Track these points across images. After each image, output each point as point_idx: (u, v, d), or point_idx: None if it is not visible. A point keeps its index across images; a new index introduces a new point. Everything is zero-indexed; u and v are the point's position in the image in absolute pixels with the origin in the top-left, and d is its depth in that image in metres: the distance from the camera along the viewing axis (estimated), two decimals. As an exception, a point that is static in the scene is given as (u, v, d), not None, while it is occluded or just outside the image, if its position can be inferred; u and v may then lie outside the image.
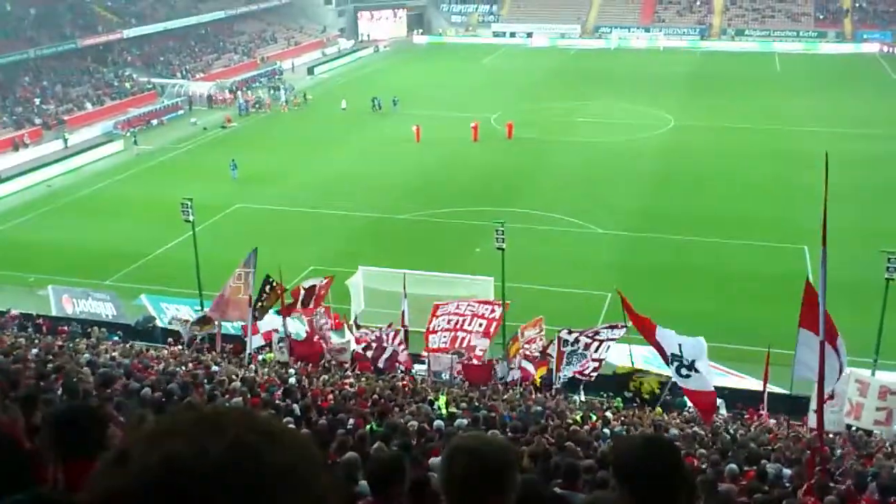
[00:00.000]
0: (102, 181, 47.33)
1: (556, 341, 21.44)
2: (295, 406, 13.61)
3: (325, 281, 25.50)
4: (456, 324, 23.87)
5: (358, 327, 26.64)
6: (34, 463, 3.67)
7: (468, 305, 24.27)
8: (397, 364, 23.94)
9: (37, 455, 3.79)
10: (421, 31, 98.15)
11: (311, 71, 78.55)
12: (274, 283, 23.50)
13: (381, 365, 23.57)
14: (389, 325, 24.76)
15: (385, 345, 24.00)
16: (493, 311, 24.28)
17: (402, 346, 24.16)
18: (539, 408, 17.68)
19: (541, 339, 23.87)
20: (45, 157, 50.91)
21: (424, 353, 24.49)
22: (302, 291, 24.62)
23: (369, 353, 24.20)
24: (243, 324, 24.58)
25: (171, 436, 1.14)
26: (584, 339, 20.83)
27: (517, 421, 14.90)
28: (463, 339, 23.73)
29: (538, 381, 22.95)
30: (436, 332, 23.99)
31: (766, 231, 36.20)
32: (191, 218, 28.80)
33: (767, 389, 21.68)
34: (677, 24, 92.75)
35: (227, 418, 1.18)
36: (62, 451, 3.56)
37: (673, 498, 2.70)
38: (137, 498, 1.09)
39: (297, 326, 25.80)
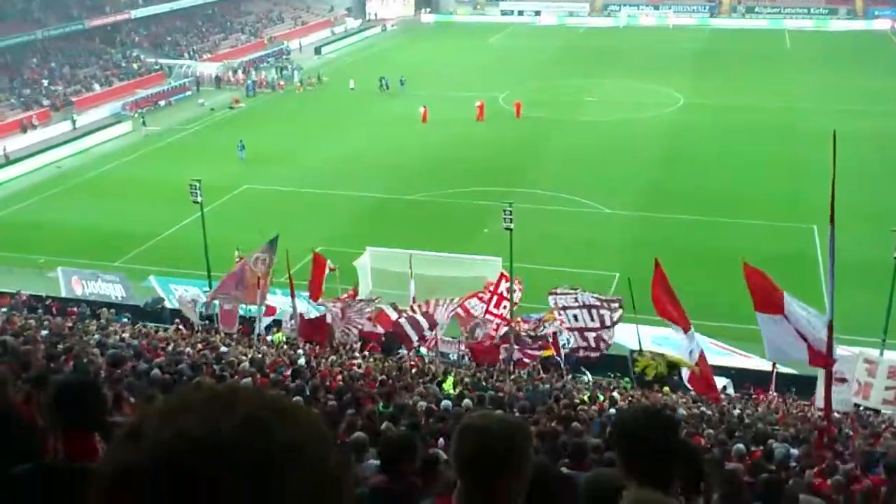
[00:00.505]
0: (111, 162, 47.40)
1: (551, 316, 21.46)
2: (305, 386, 13.68)
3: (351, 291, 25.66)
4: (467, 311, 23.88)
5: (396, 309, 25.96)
6: (44, 439, 3.74)
7: (479, 303, 24.08)
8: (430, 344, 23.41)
9: (46, 432, 3.86)
10: (429, 9, 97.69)
11: (318, 51, 78.32)
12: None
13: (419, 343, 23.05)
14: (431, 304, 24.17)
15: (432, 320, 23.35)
16: (497, 287, 24.12)
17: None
18: (547, 386, 17.75)
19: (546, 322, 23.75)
20: (54, 139, 50.98)
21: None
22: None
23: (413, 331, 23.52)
24: (253, 306, 24.76)
25: (183, 412, 1.16)
26: (574, 307, 20.73)
27: (525, 401, 14.96)
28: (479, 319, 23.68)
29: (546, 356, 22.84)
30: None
31: (776, 210, 36.07)
32: (199, 199, 28.84)
33: (776, 369, 21.66)
34: (687, 1, 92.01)
35: (239, 396, 1.19)
36: (62, 422, 3.63)
37: (668, 467, 2.77)
38: (149, 473, 1.11)
39: (306, 306, 25.87)
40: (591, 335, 20.80)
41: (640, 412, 3.05)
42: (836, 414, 17.38)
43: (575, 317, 20.75)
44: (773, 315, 12.20)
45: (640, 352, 20.78)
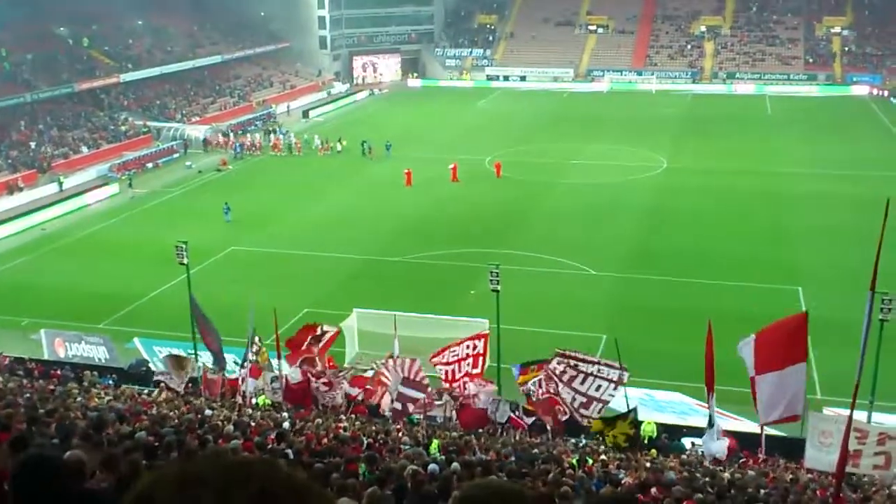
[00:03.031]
0: (97, 224, 47.36)
1: (546, 376, 21.40)
2: (289, 451, 13.48)
3: (333, 331, 25.55)
4: (451, 374, 23.76)
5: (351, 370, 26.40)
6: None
7: (451, 352, 24.08)
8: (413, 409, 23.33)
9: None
10: (416, 74, 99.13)
11: (305, 114, 79.09)
12: (259, 340, 23.99)
13: (388, 411, 23.13)
14: (388, 357, 24.34)
15: (388, 381, 23.53)
16: (474, 347, 24.11)
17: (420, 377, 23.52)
18: (535, 451, 17.55)
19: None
20: (40, 201, 50.96)
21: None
22: (316, 332, 24.74)
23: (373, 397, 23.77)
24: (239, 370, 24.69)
25: (197, 483, 1.14)
26: (569, 371, 20.70)
27: (513, 464, 14.78)
28: (462, 378, 23.57)
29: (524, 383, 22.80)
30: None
31: (760, 272, 36.25)
32: (185, 261, 28.77)
33: (765, 432, 21.53)
34: (669, 67, 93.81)
35: (254, 470, 1.18)
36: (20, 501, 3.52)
37: None
38: None
39: (292, 370, 25.65)
40: (578, 399, 20.77)
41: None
42: (815, 473, 17.31)
43: (557, 389, 20.78)
44: (778, 371, 12.24)
45: (605, 424, 20.60)
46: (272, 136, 67.43)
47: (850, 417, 12.14)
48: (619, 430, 20.06)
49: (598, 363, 21.08)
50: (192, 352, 27.31)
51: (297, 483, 1.19)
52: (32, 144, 59.26)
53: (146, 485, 1.18)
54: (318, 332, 24.92)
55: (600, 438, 22.46)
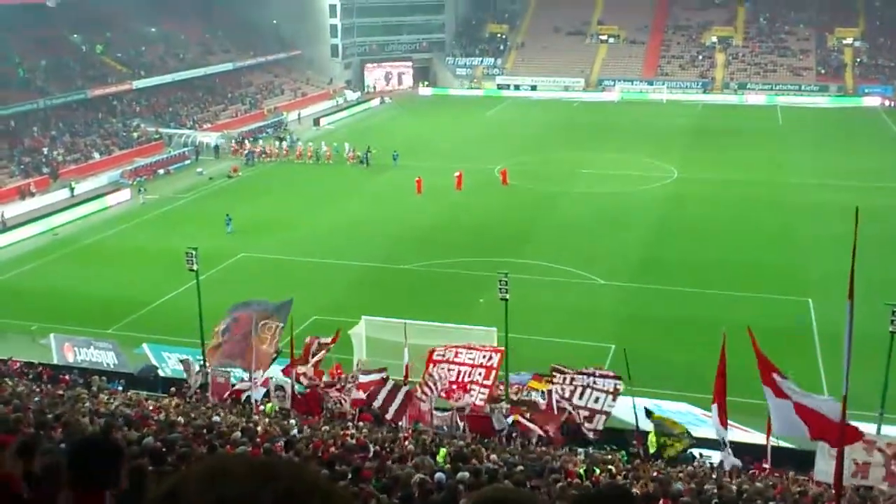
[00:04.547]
0: (107, 230, 47.57)
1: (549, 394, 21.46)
2: (296, 459, 13.50)
3: (331, 338, 25.52)
4: (458, 375, 23.64)
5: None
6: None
7: (467, 353, 24.02)
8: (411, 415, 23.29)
9: (33, 502, 3.80)
10: (427, 83, 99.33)
11: (316, 122, 79.32)
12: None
13: (389, 415, 23.08)
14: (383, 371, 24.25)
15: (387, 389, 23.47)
16: (490, 358, 24.05)
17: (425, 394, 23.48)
18: (541, 460, 17.51)
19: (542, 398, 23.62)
20: (52, 206, 51.26)
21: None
22: (315, 345, 24.69)
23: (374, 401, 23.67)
24: (255, 375, 24.55)
25: (224, 479, 1.16)
26: (568, 387, 20.78)
27: (520, 474, 14.75)
28: (464, 390, 23.49)
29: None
30: (430, 385, 23.51)
31: (770, 283, 36.13)
32: (195, 267, 28.85)
33: (771, 443, 21.44)
34: (680, 77, 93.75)
35: (279, 469, 1.20)
36: (76, 481, 3.61)
37: None
38: None
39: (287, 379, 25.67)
40: (580, 413, 20.85)
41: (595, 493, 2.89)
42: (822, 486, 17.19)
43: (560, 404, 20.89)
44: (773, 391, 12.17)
45: (658, 430, 20.66)
46: (284, 143, 67.52)
47: (842, 429, 12.00)
48: (673, 443, 20.21)
49: (593, 374, 21.13)
50: (201, 358, 27.34)
51: (322, 484, 1.21)
52: (45, 150, 59.60)
53: (175, 481, 1.20)
54: (315, 346, 24.87)
55: (609, 449, 22.45)
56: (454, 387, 23.30)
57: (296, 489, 1.16)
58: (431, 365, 23.67)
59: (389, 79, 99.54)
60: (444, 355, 23.80)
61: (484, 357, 23.91)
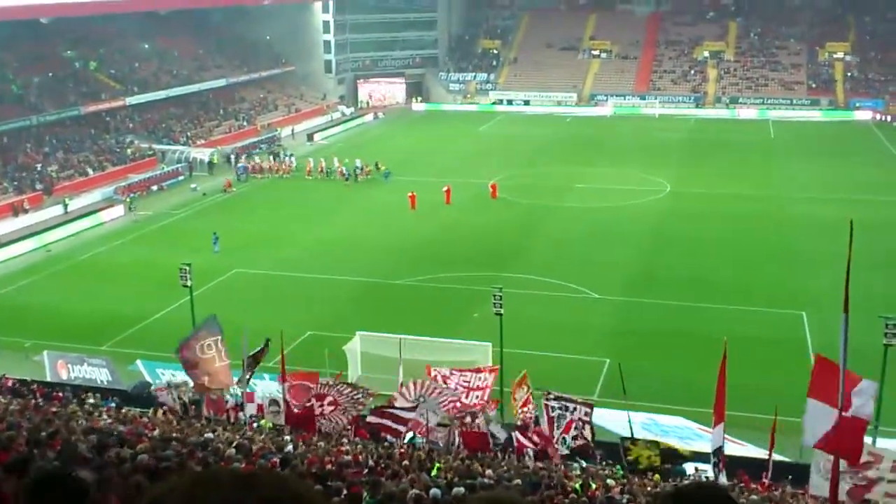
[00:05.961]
0: (101, 246, 47.48)
1: (544, 409, 21.47)
2: (292, 473, 13.44)
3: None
4: (452, 398, 23.63)
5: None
6: None
7: (461, 376, 23.99)
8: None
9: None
10: (420, 98, 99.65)
11: (310, 137, 79.44)
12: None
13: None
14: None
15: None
16: (484, 379, 24.09)
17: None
18: (536, 475, 17.45)
19: (531, 402, 23.58)
20: (45, 223, 51.18)
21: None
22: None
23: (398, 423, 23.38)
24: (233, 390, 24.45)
25: (206, 490, 1.17)
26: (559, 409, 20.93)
27: (515, 488, 14.71)
28: (461, 411, 23.45)
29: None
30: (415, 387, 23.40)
31: (764, 297, 36.20)
32: (189, 283, 28.82)
33: (772, 457, 21.40)
34: (672, 92, 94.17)
35: (261, 479, 1.23)
36: None
37: None
38: None
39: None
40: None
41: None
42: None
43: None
44: (830, 406, 12.04)
45: (633, 440, 20.60)
46: (284, 157, 67.35)
47: (853, 446, 12.01)
48: (648, 454, 20.15)
49: (575, 401, 21.17)
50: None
51: (300, 491, 1.22)
52: (38, 166, 59.53)
53: (159, 491, 1.21)
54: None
55: (604, 463, 22.41)
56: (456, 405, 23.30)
57: (276, 496, 1.17)
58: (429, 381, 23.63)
59: (384, 95, 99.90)
60: (439, 374, 23.79)
61: (480, 380, 23.95)
